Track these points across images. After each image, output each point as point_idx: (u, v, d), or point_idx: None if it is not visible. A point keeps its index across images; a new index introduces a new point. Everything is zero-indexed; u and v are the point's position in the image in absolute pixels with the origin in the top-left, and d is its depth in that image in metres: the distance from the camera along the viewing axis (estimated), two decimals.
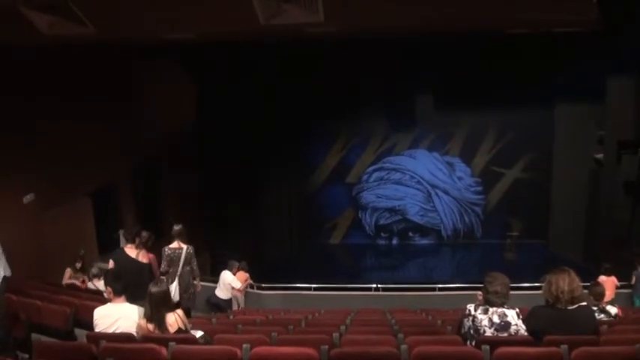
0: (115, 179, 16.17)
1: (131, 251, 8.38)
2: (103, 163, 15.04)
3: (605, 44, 14.17)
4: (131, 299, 6.18)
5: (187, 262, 9.26)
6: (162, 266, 9.13)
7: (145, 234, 8.50)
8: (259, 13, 9.94)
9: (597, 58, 16.34)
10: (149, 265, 8.51)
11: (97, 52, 13.62)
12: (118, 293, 6.12)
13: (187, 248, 9.28)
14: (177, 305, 7.66)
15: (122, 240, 15.79)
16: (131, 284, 6.46)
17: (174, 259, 9.19)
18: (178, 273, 9.11)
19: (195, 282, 9.63)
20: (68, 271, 12.97)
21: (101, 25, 10.55)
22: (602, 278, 12.54)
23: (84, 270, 13.29)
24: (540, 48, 16.70)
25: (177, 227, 9.37)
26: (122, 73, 15.97)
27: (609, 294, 11.97)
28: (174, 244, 9.28)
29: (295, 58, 17.67)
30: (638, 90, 16.76)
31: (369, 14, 10.70)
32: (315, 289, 15.27)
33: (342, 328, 7.42)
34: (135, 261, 8.29)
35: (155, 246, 9.56)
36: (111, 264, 8.45)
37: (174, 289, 8.82)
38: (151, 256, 8.72)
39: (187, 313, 8.83)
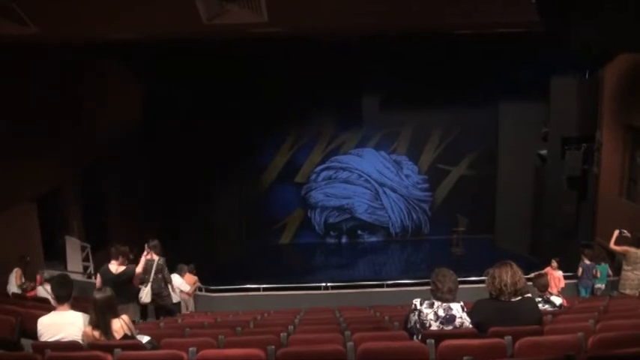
0: (60, 184, 15.73)
1: (113, 266, 9.83)
2: (47, 167, 14.65)
3: (547, 44, 14.47)
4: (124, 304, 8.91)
5: (159, 271, 10.85)
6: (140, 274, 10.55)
7: (125, 249, 10.16)
8: (202, 13, 9.85)
9: (540, 58, 16.71)
10: (130, 271, 9.94)
11: (41, 53, 13.28)
12: (61, 301, 5.98)
13: (159, 259, 10.86)
14: (153, 303, 10.89)
15: (68, 246, 15.49)
16: (120, 294, 8.33)
17: (147, 269, 10.64)
18: (151, 279, 10.71)
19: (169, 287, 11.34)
20: (17, 271, 12.54)
21: (44, 25, 10.35)
22: (549, 271, 12.86)
23: (27, 276, 12.92)
24: (485, 48, 16.93)
25: (152, 242, 10.93)
26: (67, 74, 15.57)
27: (555, 288, 12.30)
28: (149, 255, 10.70)
29: (242, 58, 17.55)
30: (581, 88, 17.22)
31: (312, 15, 10.73)
32: (265, 289, 15.23)
33: (291, 327, 7.40)
34: (117, 275, 9.74)
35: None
36: (98, 279, 9.92)
37: (147, 292, 10.64)
38: (131, 266, 10.15)
39: (170, 311, 11.28)
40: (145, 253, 10.62)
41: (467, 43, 16.43)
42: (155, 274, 10.79)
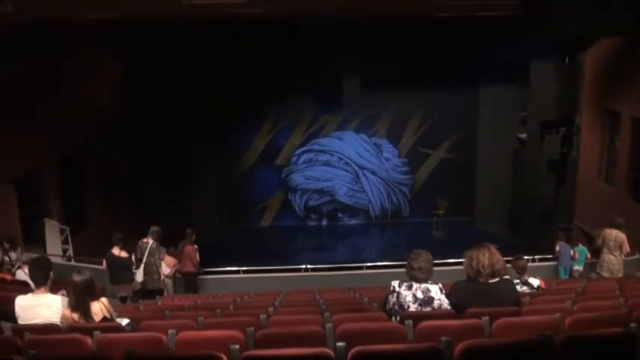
0: (39, 166, 15.49)
1: (116, 251, 11.75)
2: (26, 150, 14.37)
3: (528, 28, 14.51)
4: (122, 284, 11.81)
5: (151, 254, 11.98)
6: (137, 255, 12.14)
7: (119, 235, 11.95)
8: None
9: (520, 42, 16.80)
10: (129, 259, 11.92)
11: (17, 32, 13.01)
12: (39, 284, 5.93)
13: (152, 244, 12.01)
14: (142, 286, 12.12)
15: (47, 228, 15.33)
16: (120, 273, 11.74)
17: (142, 251, 12.00)
18: (144, 261, 11.92)
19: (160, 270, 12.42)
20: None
21: (19, 2, 10.17)
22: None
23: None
24: (466, 32, 16.97)
25: (153, 227, 12.14)
26: (47, 55, 15.24)
27: None
28: (146, 239, 12.06)
29: (222, 39, 17.41)
30: (559, 72, 17.31)
31: None
32: (245, 272, 15.24)
33: (271, 309, 7.42)
34: (120, 258, 11.75)
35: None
36: (104, 263, 11.88)
37: (139, 273, 11.95)
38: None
39: (151, 294, 12.08)
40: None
41: (448, 26, 16.48)
42: (148, 257, 11.93)
